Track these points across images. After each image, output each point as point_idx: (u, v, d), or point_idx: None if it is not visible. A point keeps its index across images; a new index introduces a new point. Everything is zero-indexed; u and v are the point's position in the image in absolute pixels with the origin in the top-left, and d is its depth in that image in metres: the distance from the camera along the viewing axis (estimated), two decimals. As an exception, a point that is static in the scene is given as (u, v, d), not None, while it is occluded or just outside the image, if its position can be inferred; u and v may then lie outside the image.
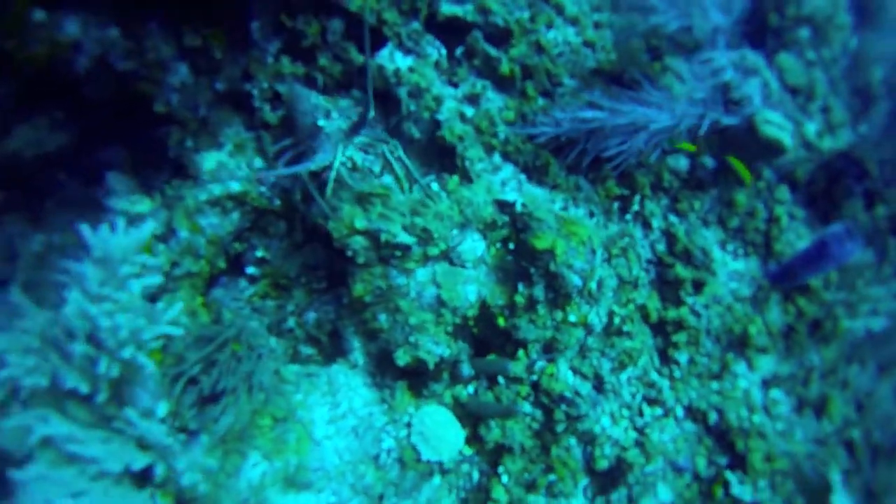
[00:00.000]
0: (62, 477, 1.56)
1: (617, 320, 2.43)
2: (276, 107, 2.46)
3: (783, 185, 2.87)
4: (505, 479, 2.18)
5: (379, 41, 2.42)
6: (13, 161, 2.50)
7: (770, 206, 2.84)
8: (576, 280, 2.11)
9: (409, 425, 2.08)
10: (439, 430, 2.07)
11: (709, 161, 2.59)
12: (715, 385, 2.62)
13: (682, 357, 2.57)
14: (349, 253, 2.01)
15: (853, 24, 3.07)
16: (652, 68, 2.66)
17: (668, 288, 2.64)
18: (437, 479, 2.13)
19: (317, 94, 2.40)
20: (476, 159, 2.38)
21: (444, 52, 2.52)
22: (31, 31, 2.16)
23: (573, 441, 2.28)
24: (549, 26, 2.65)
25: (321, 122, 2.10)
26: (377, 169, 2.21)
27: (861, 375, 2.81)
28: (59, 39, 2.18)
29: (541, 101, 2.54)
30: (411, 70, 2.40)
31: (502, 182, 2.45)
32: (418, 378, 2.16)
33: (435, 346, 2.04)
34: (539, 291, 2.12)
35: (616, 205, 2.66)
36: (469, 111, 2.48)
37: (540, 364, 2.22)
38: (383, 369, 2.19)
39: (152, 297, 2.11)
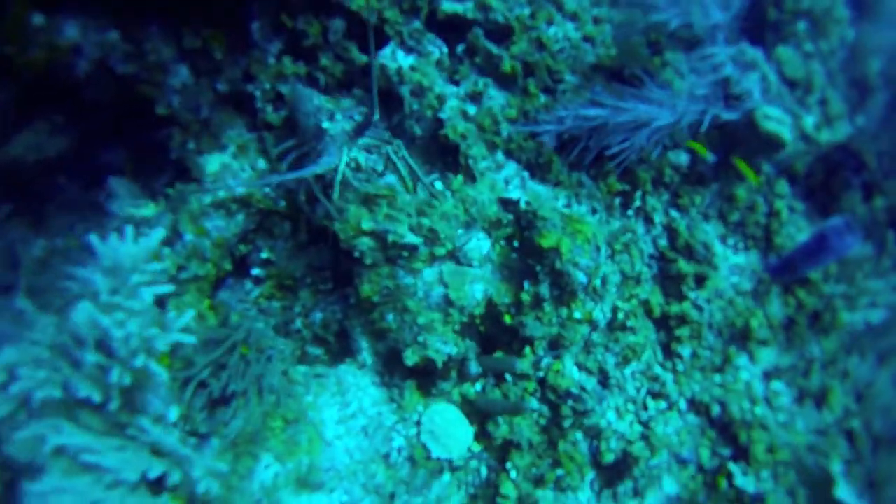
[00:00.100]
0: (78, 487, 1.57)
1: (621, 316, 2.45)
2: (279, 107, 2.45)
3: (782, 179, 2.90)
4: (513, 474, 2.21)
5: (381, 40, 2.41)
6: (14, 166, 2.48)
7: (770, 200, 2.86)
8: (581, 277, 2.13)
9: (418, 423, 2.10)
10: (449, 428, 2.09)
11: (710, 156, 2.61)
12: (717, 378, 2.65)
13: (685, 351, 2.60)
14: (356, 254, 2.02)
15: (851, 17, 3.08)
16: (652, 63, 2.67)
17: (670, 283, 2.66)
18: (446, 476, 2.16)
19: (319, 94, 2.39)
20: (479, 157, 2.38)
21: (445, 50, 2.52)
22: (31, 36, 2.15)
23: (580, 436, 2.31)
24: (550, 22, 2.65)
25: (325, 125, 2.10)
26: (380, 168, 2.21)
27: (861, 366, 2.85)
28: (59, 43, 2.17)
29: (542, 99, 2.54)
30: (413, 69, 2.40)
31: (506, 180, 2.46)
32: (427, 377, 2.18)
33: (443, 345, 2.05)
34: (545, 289, 2.14)
35: (618, 200, 2.67)
36: (471, 109, 2.48)
37: (546, 361, 2.24)
38: (391, 369, 2.20)
39: (160, 301, 2.12)
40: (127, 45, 2.25)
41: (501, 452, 2.25)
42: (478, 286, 2.14)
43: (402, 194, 2.04)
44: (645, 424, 2.43)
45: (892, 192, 2.92)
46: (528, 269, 2.20)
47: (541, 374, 2.24)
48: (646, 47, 2.66)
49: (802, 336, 2.81)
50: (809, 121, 3.07)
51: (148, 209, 2.30)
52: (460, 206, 2.16)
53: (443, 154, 2.45)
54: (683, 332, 2.59)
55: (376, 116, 1.89)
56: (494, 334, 2.27)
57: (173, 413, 1.84)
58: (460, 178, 2.28)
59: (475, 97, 2.50)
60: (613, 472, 2.39)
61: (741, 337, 2.71)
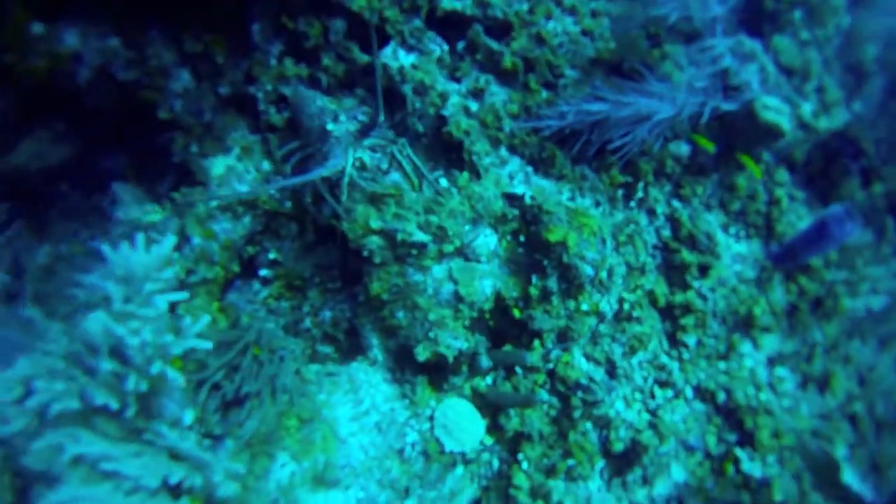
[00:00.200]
0: (97, 495, 1.58)
1: (626, 306, 2.48)
2: (282, 109, 2.46)
3: (782, 168, 2.93)
4: (525, 465, 2.24)
5: (382, 39, 2.42)
6: (17, 175, 2.48)
7: (770, 189, 2.89)
8: (588, 270, 2.16)
9: (431, 418, 2.12)
10: (461, 422, 2.12)
11: (712, 148, 2.63)
12: (722, 365, 2.69)
13: (691, 339, 2.64)
14: (365, 253, 2.04)
15: (847, 4, 3.10)
16: (651, 56, 2.68)
17: (674, 272, 2.69)
18: (459, 469, 2.19)
19: (322, 95, 2.40)
20: (483, 153, 2.40)
21: (445, 47, 2.53)
22: (31, 44, 2.14)
23: (589, 426, 2.34)
24: (548, 17, 2.66)
25: (330, 126, 2.11)
26: (384, 166, 2.23)
27: (862, 350, 2.89)
28: (60, 51, 2.17)
29: (544, 94, 2.55)
30: (415, 67, 2.41)
31: (510, 175, 2.48)
32: (438, 372, 2.20)
33: (454, 341, 2.08)
34: (553, 283, 2.16)
35: (620, 192, 2.69)
36: (474, 106, 2.49)
37: (555, 353, 2.27)
38: (402, 365, 2.23)
39: (171, 305, 2.13)
40: (128, 52, 2.25)
41: (513, 444, 2.28)
42: (486, 281, 2.16)
43: (409, 193, 2.06)
44: (653, 413, 2.47)
45: (891, 177, 2.95)
46: (535, 263, 2.22)
47: (550, 366, 2.27)
48: (645, 40, 2.67)
49: (805, 322, 2.85)
50: (807, 108, 3.10)
51: (155, 214, 2.31)
52: (466, 202, 2.18)
53: (446, 151, 2.47)
54: (688, 320, 2.62)
55: (381, 118, 1.90)
56: (503, 328, 2.30)
57: (188, 416, 1.86)
58: (466, 174, 2.30)
59: (477, 94, 2.51)
60: (623, 461, 2.42)
61: (745, 324, 2.75)
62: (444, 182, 2.33)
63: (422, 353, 2.07)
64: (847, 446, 2.71)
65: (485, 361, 2.21)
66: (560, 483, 2.26)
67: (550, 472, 2.27)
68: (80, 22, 2.17)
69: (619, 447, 2.35)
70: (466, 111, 2.47)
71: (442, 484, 2.15)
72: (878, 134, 2.99)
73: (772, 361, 2.81)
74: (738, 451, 2.56)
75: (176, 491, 1.77)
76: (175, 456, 1.78)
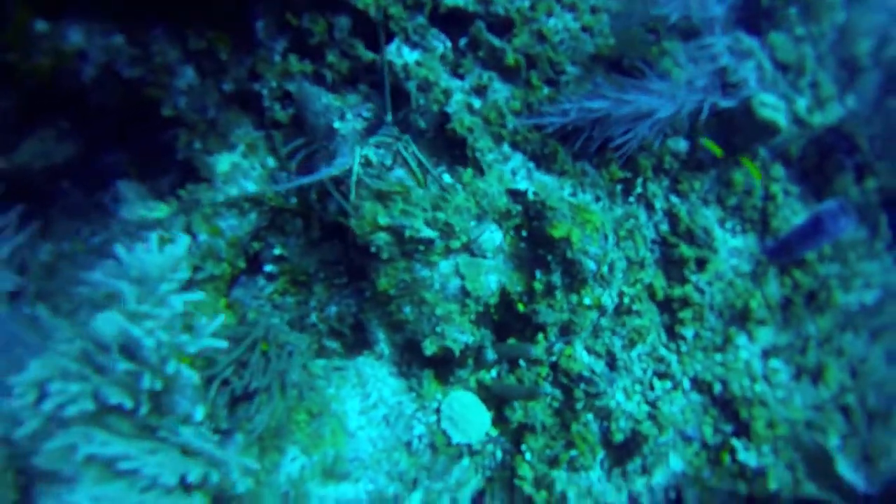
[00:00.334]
0: (113, 493, 1.59)
1: (626, 300, 2.53)
2: (286, 105, 2.47)
3: (778, 163, 2.98)
4: (528, 456, 2.29)
5: (386, 36, 2.43)
6: (21, 174, 2.48)
7: (766, 184, 2.94)
8: (591, 265, 2.20)
9: (438, 411, 2.17)
10: (467, 414, 2.16)
11: (720, 152, 2.68)
12: (719, 357, 2.75)
13: (688, 332, 2.69)
14: (373, 249, 2.06)
15: (842, 0, 3.15)
16: (651, 53, 2.71)
17: (672, 266, 2.74)
18: (465, 461, 2.24)
19: (326, 92, 2.41)
20: (486, 150, 2.43)
21: (448, 44, 2.54)
22: (34, 42, 2.13)
23: (591, 417, 2.40)
24: (549, 14, 2.68)
25: (336, 124, 2.13)
26: (388, 162, 2.25)
27: (855, 342, 2.96)
28: (65, 49, 2.16)
29: (546, 91, 2.58)
30: (419, 64, 2.42)
31: (512, 171, 2.51)
32: (444, 365, 2.24)
33: (460, 335, 2.12)
34: (556, 278, 2.20)
35: (619, 187, 2.74)
36: (477, 103, 2.51)
37: (558, 346, 2.31)
38: (409, 359, 2.26)
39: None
40: (132, 49, 2.25)
41: (516, 435, 2.33)
42: (492, 276, 2.20)
43: (416, 189, 2.08)
44: (652, 404, 2.53)
45: (884, 173, 3.01)
46: (538, 259, 2.26)
47: (553, 358, 2.31)
48: (644, 37, 2.70)
49: (799, 315, 2.91)
50: (802, 104, 3.15)
51: (160, 211, 2.32)
52: (471, 198, 2.21)
53: (449, 147, 2.49)
54: (686, 314, 2.68)
55: (388, 118, 1.92)
56: (508, 322, 2.34)
57: (199, 412, 1.88)
58: (470, 171, 2.33)
59: (480, 90, 2.54)
60: (623, 451, 2.48)
61: (741, 317, 2.81)
62: (447, 178, 2.36)
63: (429, 348, 2.11)
64: (840, 437, 2.79)
65: (490, 355, 2.25)
66: (563, 473, 2.31)
67: (553, 462, 2.33)
68: (84, 20, 2.16)
69: (619, 438, 2.41)
70: (470, 108, 2.49)
71: (448, 475, 2.19)
72: (873, 130, 3.05)
73: (767, 353, 2.88)
74: (734, 441, 2.63)
75: (188, 487, 1.80)
76: (187, 452, 1.81)
